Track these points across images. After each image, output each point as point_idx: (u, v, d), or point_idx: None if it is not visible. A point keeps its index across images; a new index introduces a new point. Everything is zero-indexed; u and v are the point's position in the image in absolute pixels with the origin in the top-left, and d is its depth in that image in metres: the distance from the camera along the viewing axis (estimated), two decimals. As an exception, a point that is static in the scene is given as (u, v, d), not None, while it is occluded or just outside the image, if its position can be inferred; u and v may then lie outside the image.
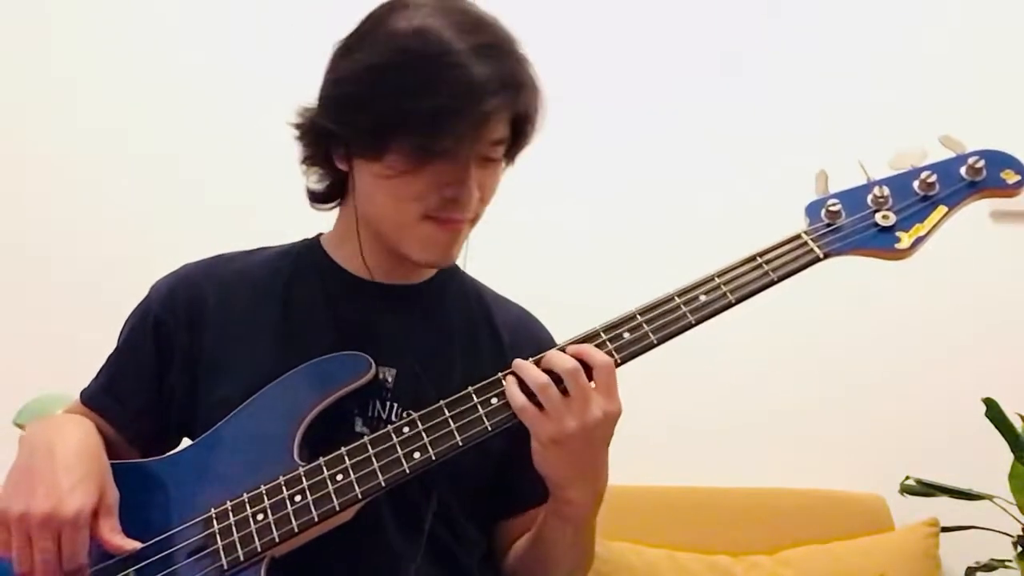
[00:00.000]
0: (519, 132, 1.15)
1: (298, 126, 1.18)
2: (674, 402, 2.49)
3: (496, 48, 1.08)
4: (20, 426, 1.88)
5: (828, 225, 1.12)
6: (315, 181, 1.23)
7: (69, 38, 2.75)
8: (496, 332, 1.27)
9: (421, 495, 1.14)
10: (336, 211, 1.27)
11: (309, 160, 1.21)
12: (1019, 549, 2.21)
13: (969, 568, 2.28)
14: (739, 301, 1.09)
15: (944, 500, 2.24)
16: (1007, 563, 2.23)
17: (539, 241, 2.63)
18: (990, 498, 2.20)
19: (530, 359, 1.07)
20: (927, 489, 2.24)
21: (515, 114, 1.12)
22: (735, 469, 2.55)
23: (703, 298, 1.09)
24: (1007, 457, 2.19)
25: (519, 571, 1.23)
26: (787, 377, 2.60)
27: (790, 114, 2.70)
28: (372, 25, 1.12)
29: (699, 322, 1.08)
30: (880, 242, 1.11)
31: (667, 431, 2.47)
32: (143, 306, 1.25)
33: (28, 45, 2.74)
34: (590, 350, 1.05)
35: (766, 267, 1.10)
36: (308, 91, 1.19)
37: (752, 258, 1.11)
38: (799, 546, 2.44)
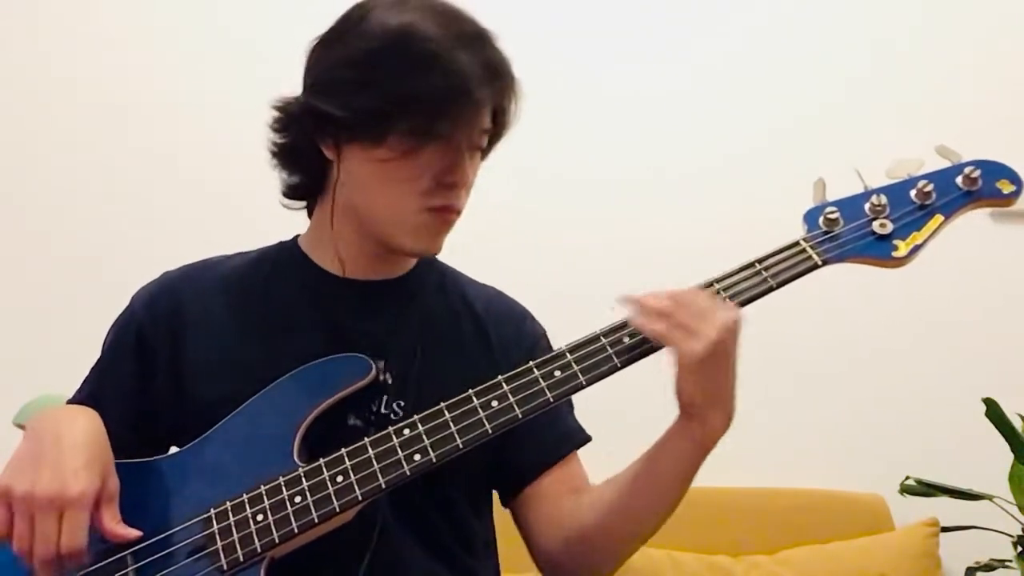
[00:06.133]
0: (496, 124, 1.18)
1: (282, 110, 1.19)
2: (673, 402, 2.48)
3: (478, 39, 1.13)
4: (20, 426, 1.88)
5: (826, 233, 1.13)
6: (291, 174, 1.23)
7: (67, 38, 2.75)
8: (475, 314, 1.27)
9: (422, 493, 1.14)
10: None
11: (288, 150, 1.21)
12: (1019, 549, 2.21)
13: (969, 568, 2.28)
14: (738, 307, 1.09)
15: (944, 500, 2.24)
16: (1007, 563, 2.23)
17: (540, 233, 2.65)
18: (990, 498, 2.20)
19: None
20: (927, 489, 2.25)
21: (495, 105, 1.16)
22: (735, 469, 2.54)
23: None
24: (1007, 457, 2.20)
25: (597, 528, 1.19)
26: (787, 377, 2.60)
27: (788, 119, 2.71)
28: (357, 18, 1.15)
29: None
30: (877, 250, 1.12)
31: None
32: (125, 316, 1.25)
33: (25, 44, 2.74)
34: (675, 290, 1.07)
35: (765, 274, 1.11)
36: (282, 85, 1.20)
37: (751, 264, 1.12)
38: (799, 546, 2.44)
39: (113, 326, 1.26)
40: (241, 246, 1.34)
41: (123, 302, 1.30)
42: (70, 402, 1.24)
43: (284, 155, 1.22)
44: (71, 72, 2.71)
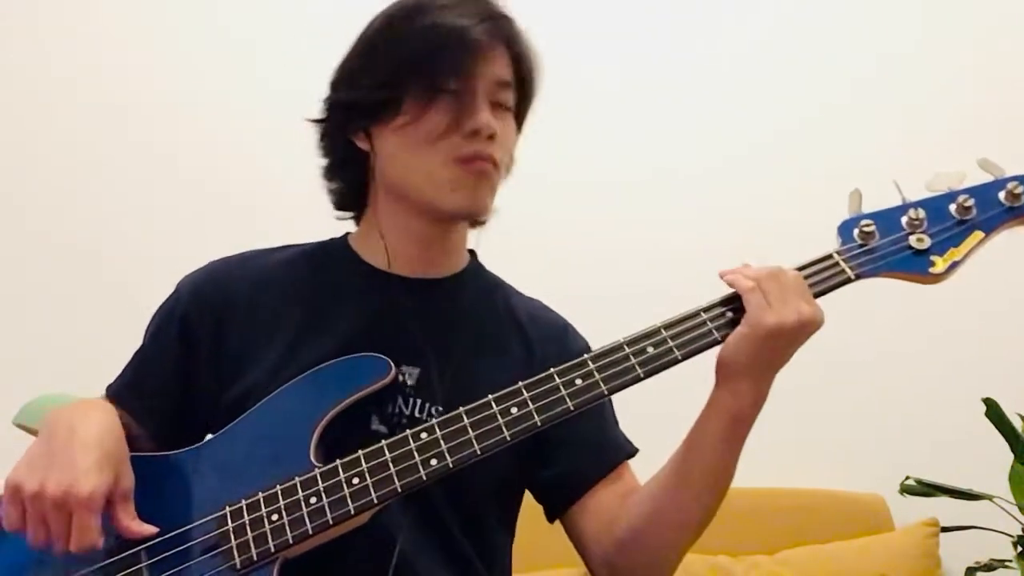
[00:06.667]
0: (521, 81, 1.20)
1: (320, 121, 1.23)
2: (673, 402, 2.48)
3: None
4: (20, 426, 1.87)
5: (861, 246, 1.10)
6: (341, 183, 1.26)
7: (67, 38, 2.75)
8: (520, 325, 1.27)
9: (451, 511, 1.14)
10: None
11: (335, 165, 1.24)
12: (1019, 549, 2.22)
13: (969, 568, 2.29)
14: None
15: (944, 500, 2.25)
16: (1007, 563, 2.24)
17: (543, 235, 2.64)
18: (990, 498, 2.21)
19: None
20: (927, 489, 2.25)
21: (510, 52, 1.18)
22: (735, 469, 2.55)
23: (730, 315, 1.09)
24: (1007, 457, 2.20)
25: (648, 526, 1.17)
26: (787, 377, 2.59)
27: (793, 120, 2.71)
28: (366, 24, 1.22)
29: (725, 339, 1.08)
30: (914, 265, 1.09)
31: (666, 432, 2.46)
32: (170, 302, 1.25)
33: (25, 44, 2.73)
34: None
35: None
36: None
37: None
38: (799, 546, 2.45)
39: (157, 313, 1.25)
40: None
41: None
42: (109, 387, 1.24)
43: (333, 169, 1.25)
44: (71, 72, 2.71)
